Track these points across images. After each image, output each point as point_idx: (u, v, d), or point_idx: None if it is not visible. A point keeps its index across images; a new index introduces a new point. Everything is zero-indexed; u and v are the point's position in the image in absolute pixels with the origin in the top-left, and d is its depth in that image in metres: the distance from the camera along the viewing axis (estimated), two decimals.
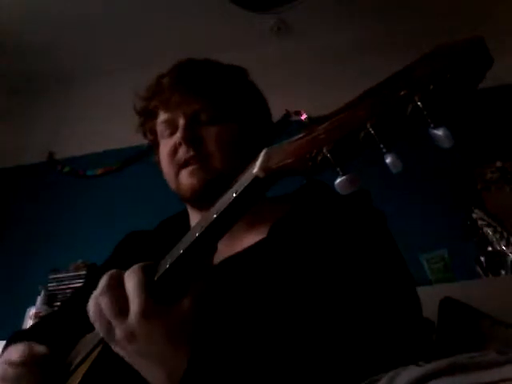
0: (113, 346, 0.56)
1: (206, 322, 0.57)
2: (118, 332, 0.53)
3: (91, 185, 2.56)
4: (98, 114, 2.70)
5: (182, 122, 0.81)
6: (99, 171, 2.59)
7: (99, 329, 0.55)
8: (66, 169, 2.63)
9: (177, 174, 0.82)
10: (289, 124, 2.42)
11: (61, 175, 2.62)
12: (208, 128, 0.81)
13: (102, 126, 2.63)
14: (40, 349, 0.74)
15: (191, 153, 0.79)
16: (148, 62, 2.43)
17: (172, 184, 0.85)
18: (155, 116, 0.88)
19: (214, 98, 0.83)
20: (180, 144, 0.80)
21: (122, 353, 0.56)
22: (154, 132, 0.90)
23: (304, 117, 2.49)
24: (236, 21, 2.43)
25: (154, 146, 0.92)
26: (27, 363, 0.72)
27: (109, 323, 0.54)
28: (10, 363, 0.72)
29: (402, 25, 2.52)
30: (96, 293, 0.55)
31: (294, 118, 2.48)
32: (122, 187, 2.49)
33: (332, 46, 2.61)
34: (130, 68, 2.62)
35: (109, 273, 0.56)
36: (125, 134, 2.54)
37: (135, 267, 0.55)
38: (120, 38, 2.54)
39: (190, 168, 0.80)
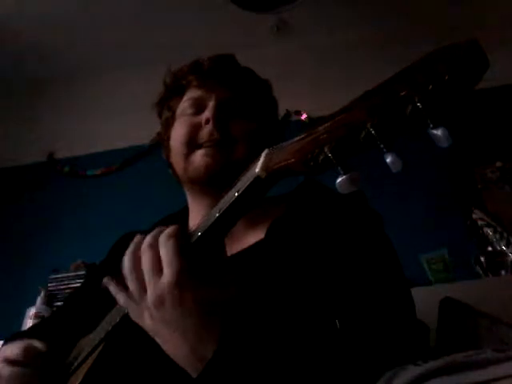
0: (137, 310, 0.53)
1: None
2: (149, 293, 0.51)
3: (91, 185, 2.56)
4: (97, 113, 2.70)
5: (213, 102, 0.81)
6: (99, 171, 2.59)
7: (131, 284, 0.53)
8: (66, 169, 2.63)
9: (188, 154, 0.81)
10: (289, 124, 2.42)
11: (61, 175, 2.62)
12: (235, 120, 0.82)
13: (102, 125, 2.63)
14: (38, 345, 0.73)
15: (215, 135, 0.79)
16: (148, 62, 2.43)
17: (179, 164, 0.84)
18: (182, 93, 0.88)
19: (246, 95, 0.85)
20: (207, 122, 0.79)
21: (146, 319, 0.52)
22: (172, 109, 0.90)
23: (304, 117, 2.49)
24: (236, 21, 2.43)
25: (166, 124, 0.92)
26: (24, 361, 0.70)
27: (143, 280, 0.52)
28: (7, 360, 0.70)
29: (401, 25, 2.52)
30: (139, 245, 0.54)
31: (294, 117, 2.48)
32: (122, 187, 2.49)
33: (332, 46, 2.61)
34: (130, 68, 2.62)
35: (157, 229, 0.54)
36: (125, 134, 2.57)
37: (172, 228, 0.52)
38: (120, 38, 2.54)
39: (207, 149, 0.79)
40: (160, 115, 0.95)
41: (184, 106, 0.86)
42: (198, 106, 0.84)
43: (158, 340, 0.53)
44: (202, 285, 0.51)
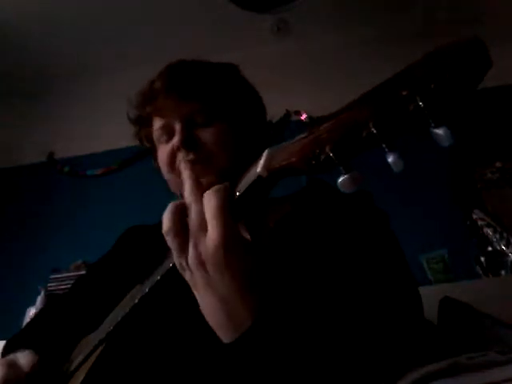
0: (179, 267, 0.49)
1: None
2: (191, 253, 0.46)
3: (91, 185, 2.56)
4: (97, 113, 2.70)
5: (178, 126, 0.79)
6: (99, 171, 2.58)
7: (172, 240, 0.47)
8: (66, 169, 2.63)
9: (179, 178, 0.79)
10: (289, 124, 2.42)
11: (61, 175, 2.62)
12: (205, 130, 0.80)
13: (102, 125, 2.63)
14: (23, 363, 0.70)
15: (191, 156, 0.78)
16: (148, 62, 2.43)
17: (176, 189, 0.83)
18: (150, 123, 0.86)
19: (208, 99, 0.82)
20: (178, 148, 0.78)
21: (187, 276, 0.48)
22: (150, 139, 0.89)
23: (304, 117, 2.49)
24: (236, 21, 2.43)
25: (152, 153, 0.91)
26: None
27: (186, 237, 0.47)
28: None
29: (401, 25, 2.52)
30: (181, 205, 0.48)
31: (294, 117, 2.48)
32: (121, 187, 2.49)
33: (332, 45, 2.61)
34: (130, 68, 2.62)
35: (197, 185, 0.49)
36: (125, 134, 2.55)
37: (219, 186, 0.47)
38: (120, 37, 2.54)
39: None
40: (142, 145, 0.94)
41: (156, 135, 0.85)
42: (168, 132, 0.82)
43: (195, 295, 0.49)
44: (247, 249, 0.46)
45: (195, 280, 0.47)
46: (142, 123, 0.90)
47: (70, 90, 2.76)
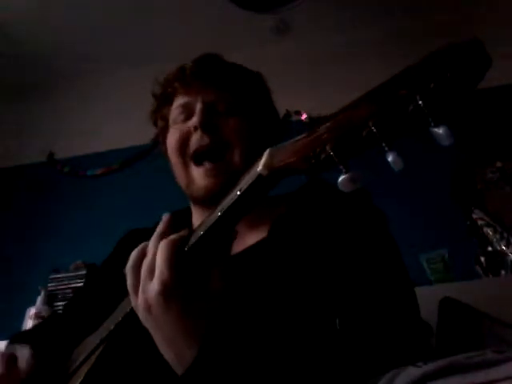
0: (134, 305, 0.55)
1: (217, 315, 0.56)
2: (140, 296, 0.52)
3: (91, 185, 2.56)
4: (98, 113, 2.70)
5: (199, 106, 0.80)
6: (99, 171, 2.58)
7: (128, 282, 0.54)
8: (66, 169, 2.63)
9: (187, 167, 0.81)
10: (289, 124, 2.42)
11: (61, 175, 2.62)
12: (225, 119, 0.81)
13: (102, 125, 2.63)
14: (21, 353, 0.73)
15: (206, 141, 0.78)
16: (148, 61, 2.43)
17: (181, 178, 0.84)
18: (171, 101, 0.88)
19: (234, 92, 0.84)
20: (196, 129, 0.79)
21: (139, 315, 0.54)
22: (166, 118, 0.90)
23: (304, 117, 2.49)
24: (236, 21, 2.43)
25: (162, 134, 0.92)
26: (6, 373, 0.71)
27: (138, 281, 0.53)
28: None
29: (401, 25, 2.52)
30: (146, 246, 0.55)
31: (294, 117, 2.48)
32: (122, 187, 2.48)
33: (332, 46, 2.61)
34: (130, 68, 2.62)
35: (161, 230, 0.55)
36: (125, 134, 2.57)
37: (170, 238, 0.52)
38: (120, 38, 2.54)
39: (206, 167, 0.78)
40: (156, 125, 0.95)
41: (174, 114, 0.86)
42: (187, 112, 0.83)
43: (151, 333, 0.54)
44: (189, 294, 0.51)
45: (144, 320, 0.53)
46: (163, 100, 0.90)
47: (70, 89, 2.76)
